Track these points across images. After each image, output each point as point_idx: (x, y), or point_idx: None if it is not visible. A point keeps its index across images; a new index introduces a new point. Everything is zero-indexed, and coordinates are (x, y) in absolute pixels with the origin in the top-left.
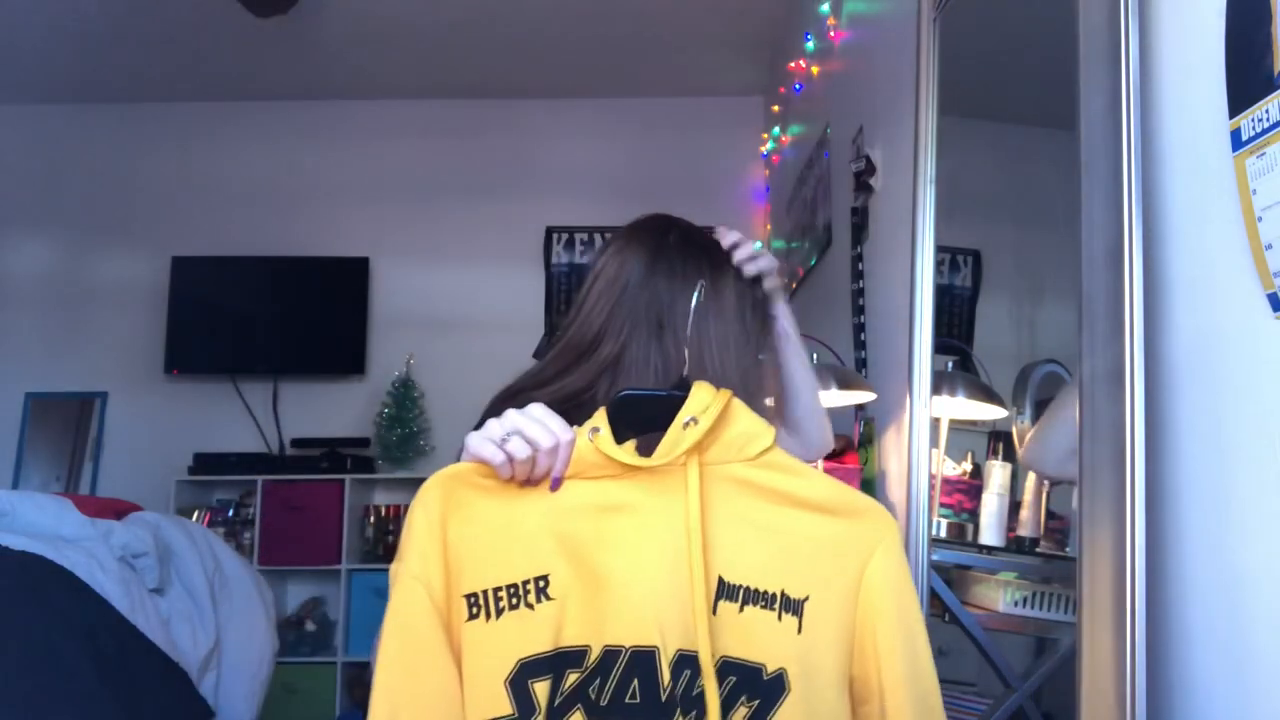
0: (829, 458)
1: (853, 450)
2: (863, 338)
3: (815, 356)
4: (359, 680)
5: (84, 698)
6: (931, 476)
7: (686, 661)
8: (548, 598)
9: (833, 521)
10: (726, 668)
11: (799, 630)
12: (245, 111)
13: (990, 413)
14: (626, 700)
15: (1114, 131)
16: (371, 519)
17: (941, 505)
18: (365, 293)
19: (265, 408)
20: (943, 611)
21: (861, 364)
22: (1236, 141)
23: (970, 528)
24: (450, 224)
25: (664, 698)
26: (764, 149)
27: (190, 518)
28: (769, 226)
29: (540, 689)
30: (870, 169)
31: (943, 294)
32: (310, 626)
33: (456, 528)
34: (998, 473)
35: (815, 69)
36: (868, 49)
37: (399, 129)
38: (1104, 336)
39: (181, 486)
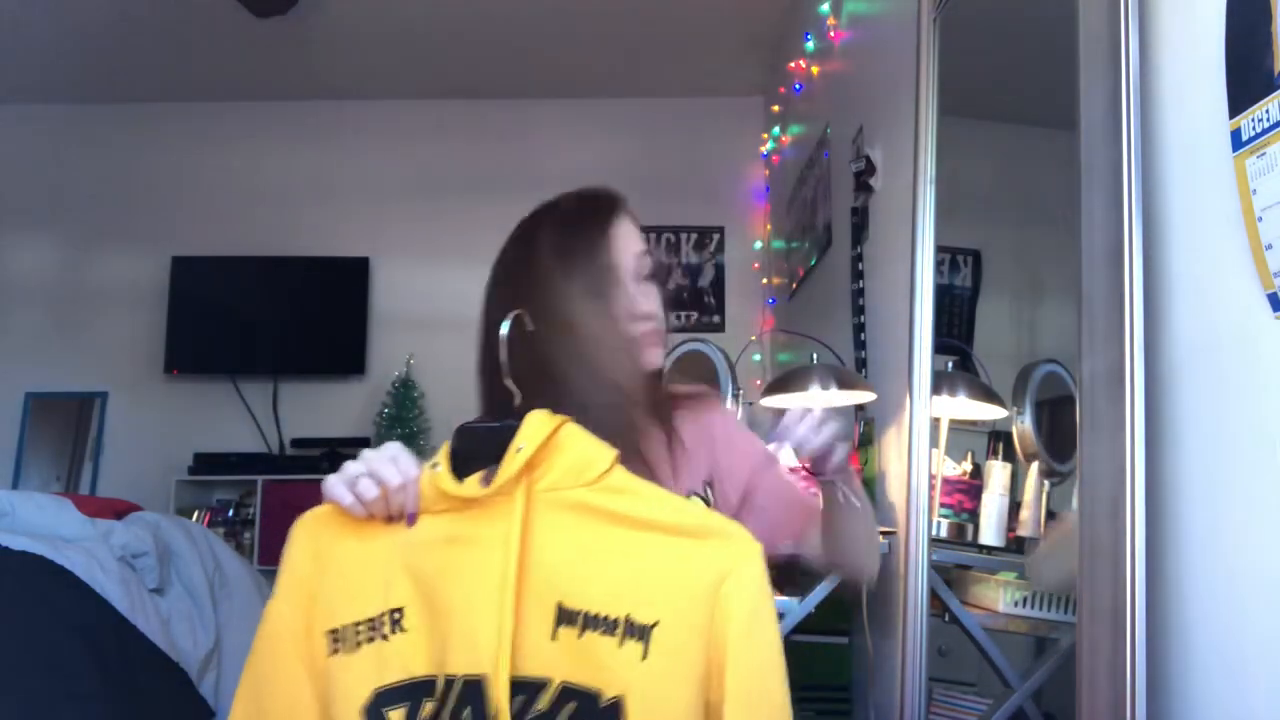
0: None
1: (853, 450)
2: (863, 338)
3: (815, 356)
4: None
5: (84, 698)
6: (931, 476)
7: (523, 688)
8: (401, 629)
9: (683, 543)
10: (567, 694)
11: (643, 656)
12: (245, 111)
13: (990, 413)
14: None
15: (1114, 131)
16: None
17: (941, 505)
18: (365, 293)
19: (265, 408)
20: (943, 611)
21: (861, 364)
22: (1236, 141)
23: (970, 528)
24: (450, 224)
25: None
26: (764, 149)
27: (190, 518)
28: (769, 226)
29: (395, 716)
30: (870, 169)
31: (943, 294)
32: None
33: (319, 568)
34: (998, 473)
35: (815, 69)
36: (868, 49)
37: (399, 129)
38: (1104, 336)
39: (181, 486)
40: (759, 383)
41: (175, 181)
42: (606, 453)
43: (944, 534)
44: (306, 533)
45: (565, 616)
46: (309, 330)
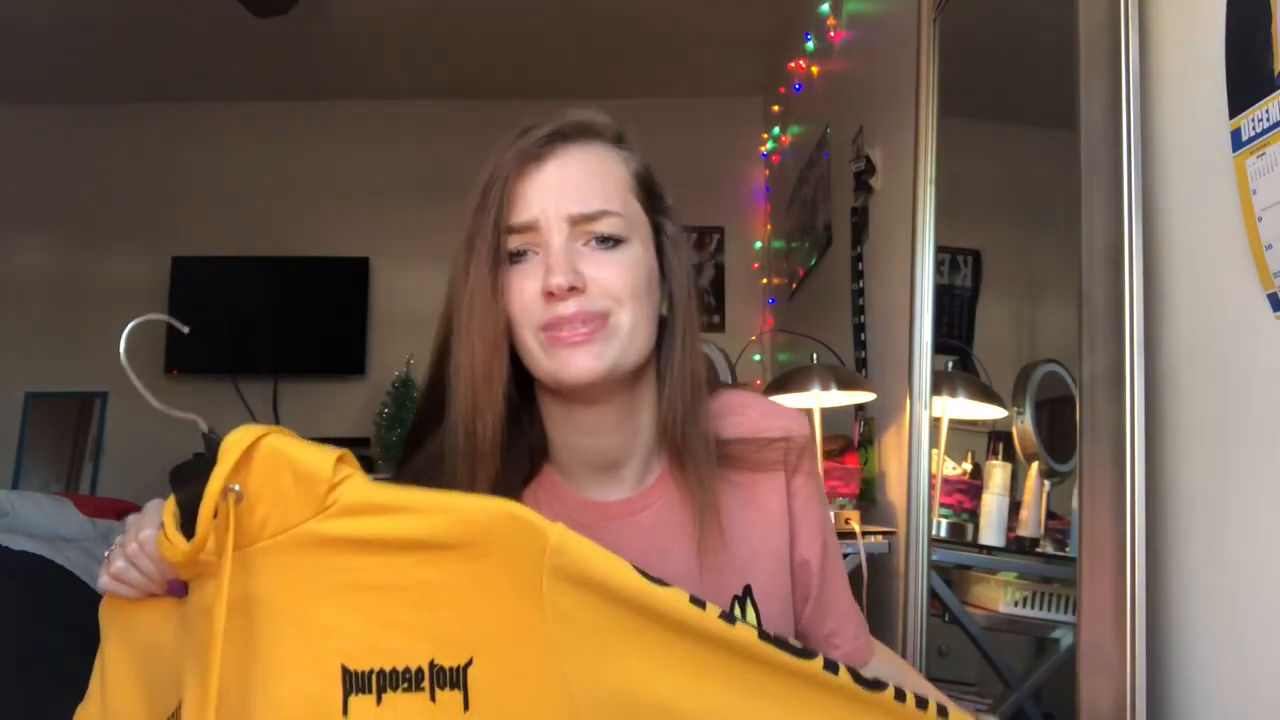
0: (827, 458)
1: (853, 450)
2: (863, 338)
3: (815, 356)
4: None
5: (84, 698)
6: (931, 476)
7: None
8: None
9: (470, 557)
10: None
11: (465, 707)
12: (245, 111)
13: (990, 413)
14: None
15: (1114, 131)
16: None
17: (941, 505)
18: (365, 293)
19: (265, 408)
20: (943, 611)
21: (861, 364)
22: (1236, 141)
23: (970, 528)
24: (450, 224)
25: None
26: (764, 149)
27: None
28: (769, 226)
29: None
30: (870, 169)
31: (943, 294)
32: None
33: (129, 657)
34: (998, 473)
35: (815, 69)
36: (868, 49)
37: (399, 129)
38: (1104, 336)
39: None
40: (759, 382)
41: (175, 181)
42: (325, 458)
43: (944, 534)
44: (108, 625)
45: (355, 682)
46: (309, 330)
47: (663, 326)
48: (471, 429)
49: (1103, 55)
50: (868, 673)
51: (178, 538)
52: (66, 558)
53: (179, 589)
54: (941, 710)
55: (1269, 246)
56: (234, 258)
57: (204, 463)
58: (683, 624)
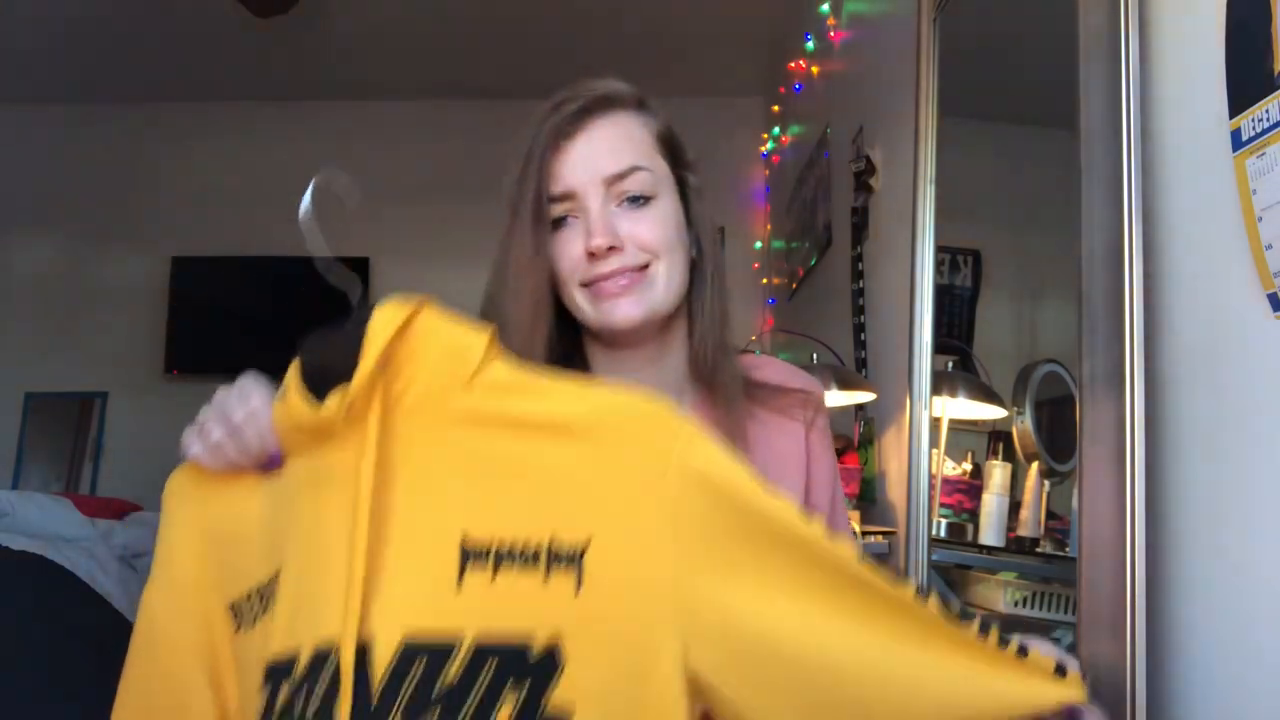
0: None
1: (853, 450)
2: (863, 338)
3: (815, 356)
4: None
5: (83, 698)
6: (931, 476)
7: (422, 652)
8: (276, 599)
9: (602, 438)
10: (483, 654)
11: (577, 590)
12: (245, 111)
13: (990, 413)
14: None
15: (1114, 131)
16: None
17: (941, 505)
18: (365, 292)
19: None
20: None
21: (861, 364)
22: (1236, 141)
23: (970, 528)
24: (450, 224)
25: (375, 701)
26: (764, 149)
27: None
28: (769, 226)
29: (281, 697)
30: (870, 169)
31: (943, 294)
32: None
33: (205, 536)
34: (998, 473)
35: (815, 69)
36: (868, 49)
37: (399, 129)
38: (1104, 336)
39: None
40: None
41: (175, 181)
42: (478, 337)
43: (944, 534)
44: (179, 500)
45: (471, 556)
46: (309, 330)
47: (693, 270)
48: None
49: (1103, 55)
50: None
51: (304, 404)
52: (66, 558)
53: (269, 466)
54: (1022, 649)
55: (1269, 246)
56: (234, 258)
57: (346, 333)
58: (792, 534)
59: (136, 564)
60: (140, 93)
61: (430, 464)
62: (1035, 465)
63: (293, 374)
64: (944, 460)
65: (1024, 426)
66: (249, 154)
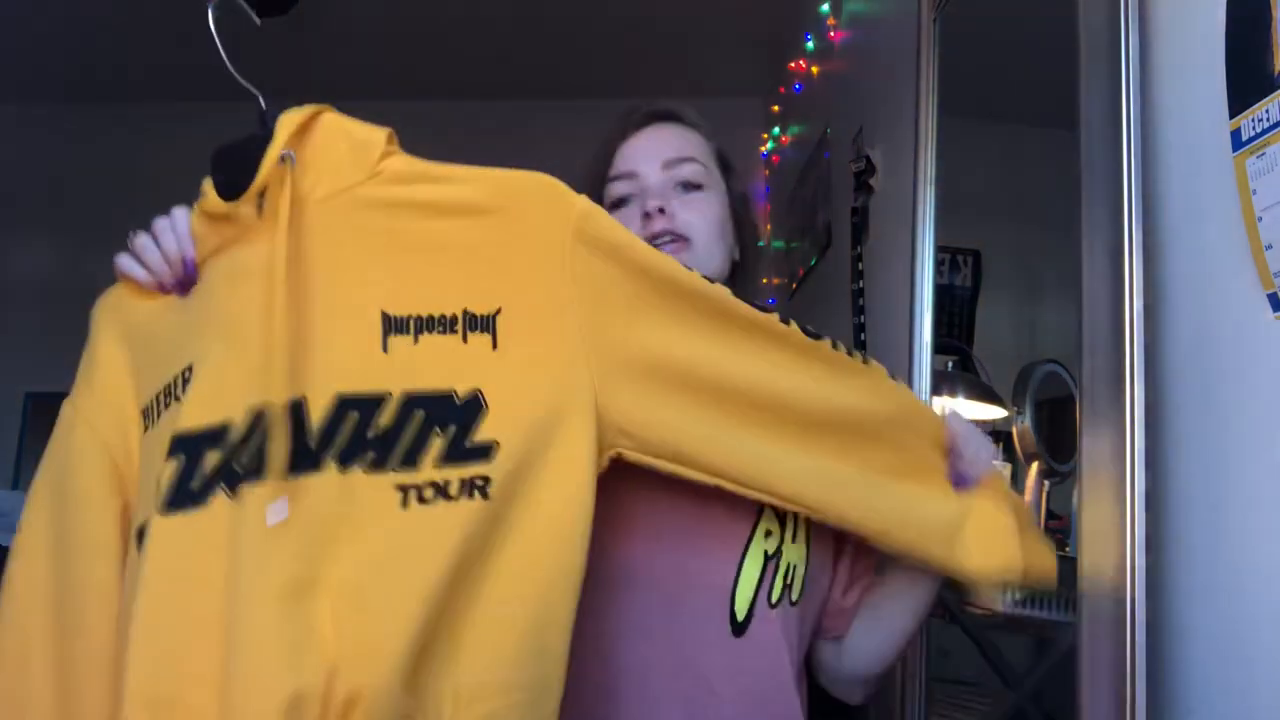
0: None
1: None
2: (863, 338)
3: None
4: None
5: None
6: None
7: (354, 404)
8: (189, 384)
9: (503, 218)
10: (412, 402)
11: (493, 347)
12: (245, 111)
13: (990, 413)
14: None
15: (1114, 131)
16: None
17: None
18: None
19: None
20: (943, 612)
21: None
22: (1236, 141)
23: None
24: None
25: (314, 445)
26: (764, 149)
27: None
28: (769, 226)
29: (169, 468)
30: (870, 169)
31: (943, 294)
32: None
33: (128, 348)
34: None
35: (815, 69)
36: (868, 49)
37: (398, 129)
38: (1104, 336)
39: None
40: None
41: (175, 181)
42: (378, 132)
43: None
44: (105, 313)
45: (393, 324)
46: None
47: (734, 273)
48: None
49: (1103, 55)
50: None
51: (218, 198)
52: None
53: (182, 288)
54: (865, 360)
55: (1269, 246)
56: None
57: (253, 139)
58: (689, 284)
59: None
60: (140, 93)
61: (345, 249)
62: (1035, 465)
63: (206, 182)
64: None
65: (1024, 426)
66: None
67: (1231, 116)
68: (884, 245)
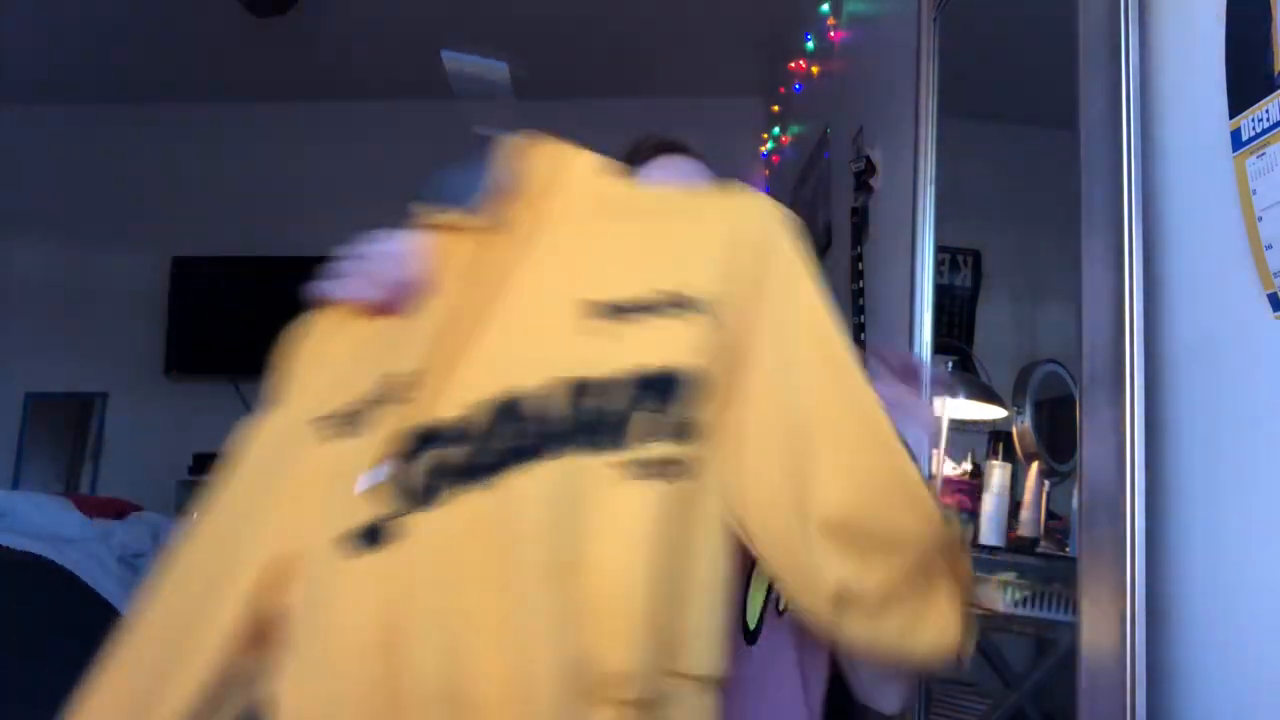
0: None
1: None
2: (863, 338)
3: None
4: None
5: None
6: (932, 477)
7: (563, 384)
8: (410, 395)
9: (702, 215)
10: (627, 383)
11: (689, 325)
12: (245, 111)
13: (990, 413)
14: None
15: (1114, 131)
16: None
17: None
18: None
19: None
20: None
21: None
22: (1236, 141)
23: (970, 528)
24: None
25: (565, 427)
26: (764, 149)
27: (191, 518)
28: None
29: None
30: (870, 169)
31: (943, 294)
32: None
33: (311, 360)
34: (998, 473)
35: (815, 69)
36: (868, 49)
37: (399, 129)
38: (1104, 336)
39: (182, 486)
40: None
41: (175, 181)
42: (598, 158)
43: None
44: (307, 333)
45: (608, 309)
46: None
47: None
48: None
49: (1103, 55)
50: None
51: (462, 216)
52: (66, 558)
53: (395, 306)
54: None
55: (1269, 246)
56: (234, 258)
57: (476, 163)
58: (831, 340)
59: (136, 564)
60: (140, 93)
61: (565, 250)
62: (1035, 465)
63: (425, 208)
64: (944, 460)
65: (1024, 426)
66: (249, 154)
67: (1231, 116)
68: (884, 245)
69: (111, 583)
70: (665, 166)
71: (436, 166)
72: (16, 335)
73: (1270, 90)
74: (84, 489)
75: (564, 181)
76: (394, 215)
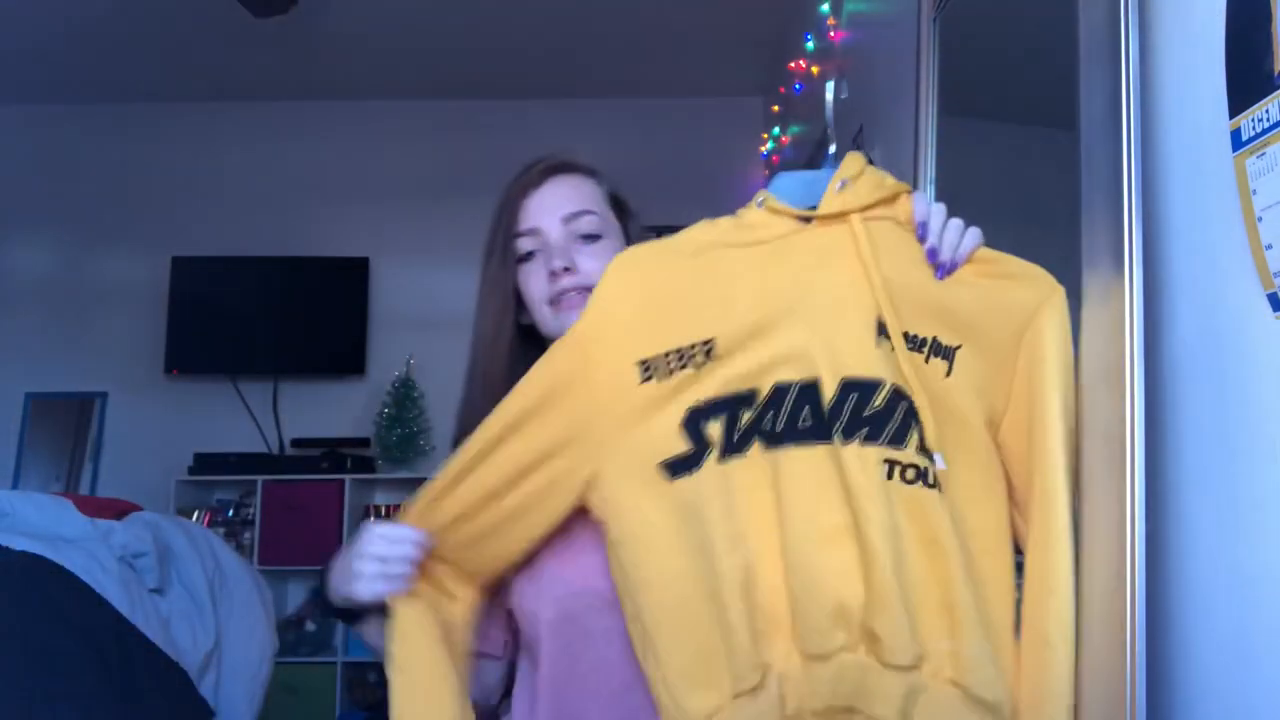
0: None
1: None
2: None
3: None
4: (360, 681)
5: (84, 698)
6: None
7: (856, 387)
8: (713, 358)
9: (991, 277)
10: (898, 395)
11: (947, 374)
12: (245, 111)
13: None
14: (799, 425)
15: (1114, 131)
16: (371, 519)
17: None
18: (365, 293)
19: (265, 408)
20: None
21: None
22: (1236, 141)
23: None
24: (450, 224)
25: (830, 419)
26: (764, 149)
27: (190, 518)
28: None
29: (713, 427)
30: None
31: None
32: (310, 626)
33: (635, 302)
34: None
35: (815, 69)
36: (868, 49)
37: (399, 129)
38: (1104, 336)
39: (181, 486)
40: None
41: (175, 181)
42: (890, 177)
43: None
44: (625, 271)
45: (881, 330)
46: (309, 330)
47: None
48: (488, 368)
49: (1103, 55)
50: None
51: (790, 208)
52: (66, 558)
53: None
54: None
55: (1269, 246)
56: (234, 258)
57: (819, 169)
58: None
59: (136, 564)
60: (140, 93)
61: (868, 260)
62: None
63: (763, 192)
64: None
65: None
66: (248, 154)
67: (1231, 116)
68: None
69: (111, 583)
70: (553, 193)
71: (436, 166)
72: (16, 335)
73: (1270, 90)
74: (84, 489)
75: (868, 193)
76: (394, 214)
